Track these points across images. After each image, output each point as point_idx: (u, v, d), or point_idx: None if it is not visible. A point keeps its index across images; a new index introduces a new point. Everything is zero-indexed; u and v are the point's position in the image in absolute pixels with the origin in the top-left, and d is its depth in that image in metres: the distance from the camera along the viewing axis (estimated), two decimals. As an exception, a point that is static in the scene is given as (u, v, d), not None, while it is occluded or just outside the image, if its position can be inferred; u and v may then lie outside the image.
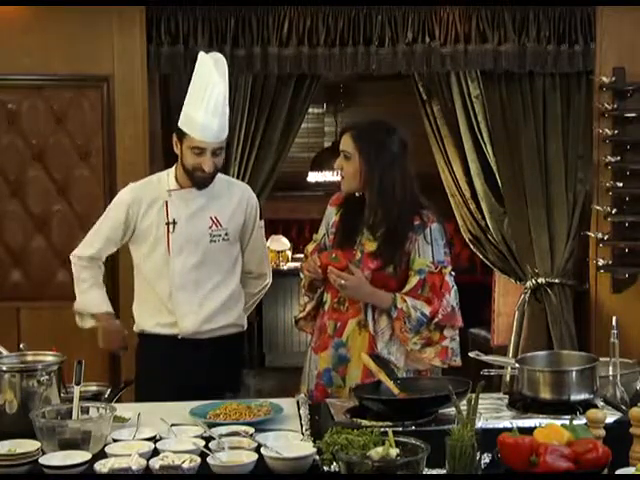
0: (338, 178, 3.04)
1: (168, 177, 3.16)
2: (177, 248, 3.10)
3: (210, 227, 3.12)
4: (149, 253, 3.13)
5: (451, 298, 2.87)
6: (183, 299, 3.10)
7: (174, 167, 3.17)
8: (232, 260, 3.20)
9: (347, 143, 2.89)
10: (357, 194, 2.92)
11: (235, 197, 3.21)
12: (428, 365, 2.90)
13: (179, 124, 3.05)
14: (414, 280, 2.85)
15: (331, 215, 3.04)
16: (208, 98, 2.96)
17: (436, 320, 2.83)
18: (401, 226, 2.87)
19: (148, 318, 3.16)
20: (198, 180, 3.07)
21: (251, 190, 3.35)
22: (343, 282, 2.82)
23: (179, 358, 3.10)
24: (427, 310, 2.82)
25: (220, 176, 3.19)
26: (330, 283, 2.89)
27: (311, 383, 2.97)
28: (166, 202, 3.11)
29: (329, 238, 3.00)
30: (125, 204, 3.14)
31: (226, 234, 3.14)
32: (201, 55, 3.05)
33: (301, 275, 3.12)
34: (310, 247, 3.11)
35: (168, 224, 3.09)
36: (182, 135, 3.04)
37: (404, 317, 2.81)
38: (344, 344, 2.89)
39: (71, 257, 3.26)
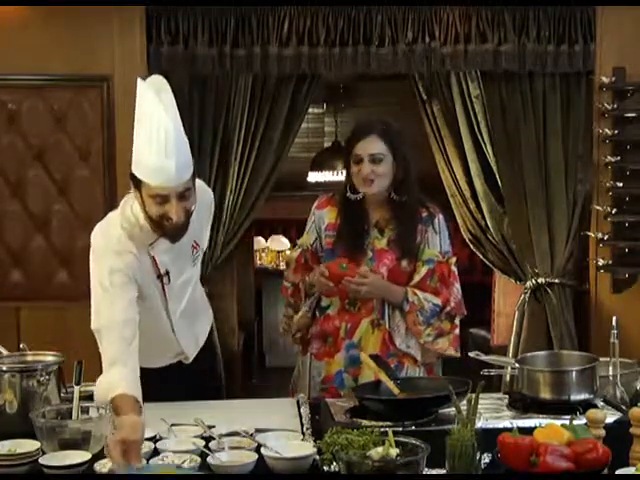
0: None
1: (140, 224, 2.63)
2: (174, 295, 2.80)
3: (193, 253, 2.82)
4: (145, 307, 2.69)
5: (459, 287, 2.93)
6: (183, 332, 2.89)
7: (138, 207, 2.62)
8: (200, 270, 2.98)
9: (377, 146, 2.86)
10: (356, 196, 2.90)
11: (203, 211, 2.83)
12: (434, 357, 2.93)
13: (132, 169, 2.57)
14: (423, 270, 2.88)
15: (323, 218, 2.99)
16: (157, 138, 2.49)
17: (448, 309, 2.88)
18: (413, 218, 2.89)
19: (144, 356, 2.65)
20: (169, 232, 2.59)
21: (208, 188, 2.96)
22: (365, 289, 2.80)
23: (182, 378, 2.93)
24: (438, 300, 2.86)
25: None
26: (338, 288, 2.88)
27: (313, 390, 2.94)
28: (152, 257, 2.69)
29: (325, 242, 2.97)
30: (122, 265, 2.61)
31: (202, 249, 2.87)
32: (139, 84, 2.58)
33: (285, 283, 3.07)
34: (295, 253, 3.08)
35: (161, 276, 2.73)
36: (138, 182, 2.55)
37: (416, 310, 2.84)
38: (356, 345, 2.88)
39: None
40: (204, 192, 2.86)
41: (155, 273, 2.72)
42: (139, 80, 2.54)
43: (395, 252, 2.89)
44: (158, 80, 2.57)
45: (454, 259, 2.97)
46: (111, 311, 2.54)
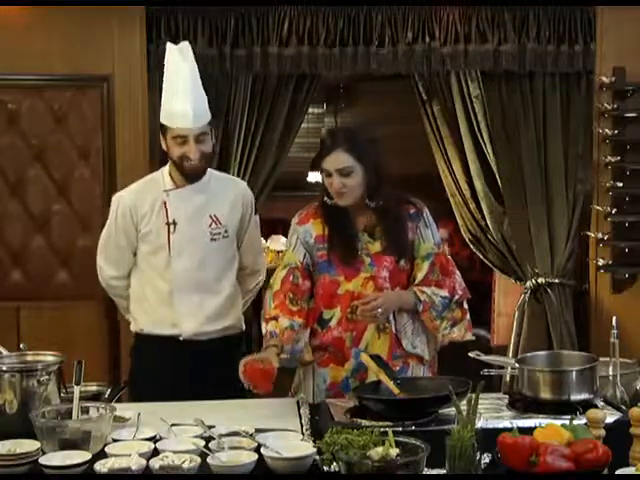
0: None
1: (163, 177, 3.13)
2: (178, 249, 3.07)
3: (210, 225, 3.09)
4: (150, 254, 3.11)
5: (458, 272, 2.94)
6: (184, 300, 3.08)
7: (168, 166, 3.14)
8: (230, 258, 3.18)
9: (343, 160, 2.79)
10: (335, 202, 2.85)
11: (231, 193, 3.18)
12: (435, 351, 2.96)
13: (161, 119, 3.05)
14: (425, 266, 2.87)
15: (309, 232, 2.91)
16: (177, 86, 2.97)
17: (456, 297, 2.88)
18: (399, 219, 2.88)
19: (147, 317, 3.14)
20: (188, 171, 3.03)
21: (246, 184, 3.35)
22: (381, 310, 2.73)
23: (177, 359, 3.07)
24: (445, 292, 2.86)
25: (215, 173, 3.20)
26: (332, 298, 2.85)
27: (318, 397, 2.88)
28: (164, 202, 3.07)
29: (317, 255, 2.89)
30: (127, 209, 3.10)
31: (226, 231, 3.12)
32: (168, 47, 3.06)
33: (265, 329, 2.79)
34: (281, 273, 2.89)
35: (168, 224, 3.06)
36: (164, 129, 3.03)
37: (430, 307, 2.83)
38: (363, 352, 2.82)
39: (104, 286, 3.27)
40: (245, 191, 3.26)
41: (164, 220, 3.06)
42: (168, 44, 3.06)
43: (392, 254, 2.87)
44: (183, 44, 3.05)
45: (446, 247, 2.99)
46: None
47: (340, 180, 2.80)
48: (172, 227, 3.06)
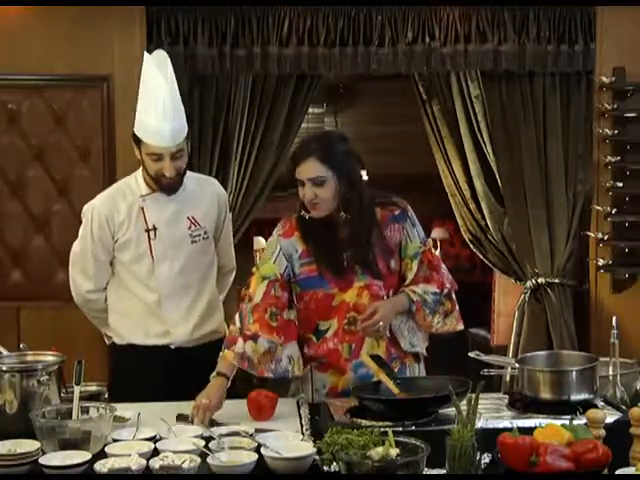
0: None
1: (137, 182, 3.07)
2: (161, 254, 3.02)
3: (189, 228, 3.05)
4: (132, 262, 3.04)
5: (444, 265, 2.94)
6: (172, 307, 3.03)
7: (140, 170, 3.07)
8: (211, 259, 3.15)
9: (316, 169, 2.70)
10: (311, 215, 2.78)
11: (207, 193, 3.14)
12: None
13: (134, 129, 2.97)
14: (414, 266, 2.86)
15: (294, 246, 2.83)
16: (155, 102, 2.89)
17: (446, 291, 2.87)
18: (376, 228, 2.82)
19: (135, 330, 3.06)
20: (164, 186, 2.98)
21: (219, 183, 3.30)
22: (383, 324, 2.70)
23: (168, 369, 3.00)
24: (434, 288, 2.85)
25: (189, 174, 3.08)
26: (327, 310, 2.82)
27: (317, 401, 2.84)
28: (142, 208, 3.02)
29: (303, 270, 2.82)
30: (104, 218, 3.02)
31: (205, 232, 3.08)
32: (146, 56, 2.96)
33: (243, 347, 2.71)
34: (261, 286, 2.82)
35: (148, 231, 3.01)
36: (138, 141, 2.96)
37: (422, 306, 2.82)
38: (364, 364, 2.78)
39: (79, 302, 3.16)
40: (219, 190, 3.22)
41: (144, 227, 3.01)
42: (145, 54, 2.96)
43: (381, 261, 2.85)
44: (160, 55, 2.98)
45: (430, 241, 2.99)
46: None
47: (312, 190, 2.71)
48: (152, 233, 3.01)
